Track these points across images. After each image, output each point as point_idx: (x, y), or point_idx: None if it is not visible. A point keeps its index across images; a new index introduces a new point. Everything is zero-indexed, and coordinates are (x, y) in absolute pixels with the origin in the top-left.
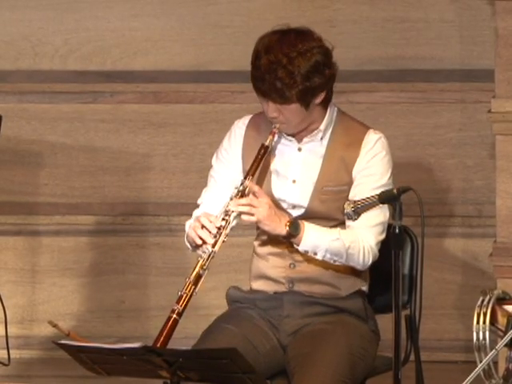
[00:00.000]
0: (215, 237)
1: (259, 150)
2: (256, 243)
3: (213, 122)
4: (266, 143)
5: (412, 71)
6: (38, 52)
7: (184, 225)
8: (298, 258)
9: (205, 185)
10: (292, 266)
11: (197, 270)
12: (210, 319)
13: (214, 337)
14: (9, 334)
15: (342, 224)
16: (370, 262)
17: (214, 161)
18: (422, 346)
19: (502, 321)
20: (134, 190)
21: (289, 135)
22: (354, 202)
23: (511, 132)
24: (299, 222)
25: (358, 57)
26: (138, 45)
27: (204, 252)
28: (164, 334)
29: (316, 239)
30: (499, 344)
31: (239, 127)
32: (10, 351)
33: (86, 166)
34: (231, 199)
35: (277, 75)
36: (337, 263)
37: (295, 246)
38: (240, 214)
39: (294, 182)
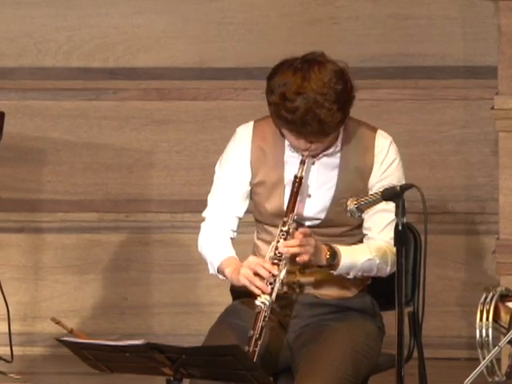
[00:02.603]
0: (271, 283)
1: (293, 183)
2: (260, 244)
3: (216, 119)
4: (299, 175)
5: (415, 68)
6: (40, 49)
7: (187, 221)
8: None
9: (208, 182)
10: (302, 271)
11: (260, 323)
12: (213, 316)
13: (221, 333)
14: (12, 330)
15: (354, 228)
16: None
17: (217, 169)
18: (425, 343)
19: (504, 318)
20: (137, 186)
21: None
22: (357, 199)
23: None
24: (336, 250)
25: (361, 54)
26: (141, 42)
27: (263, 303)
28: None
29: (351, 263)
30: (502, 341)
31: (245, 135)
32: (13, 348)
33: (89, 162)
34: (278, 241)
35: (319, 118)
36: (364, 276)
37: (331, 271)
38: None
39: (309, 196)
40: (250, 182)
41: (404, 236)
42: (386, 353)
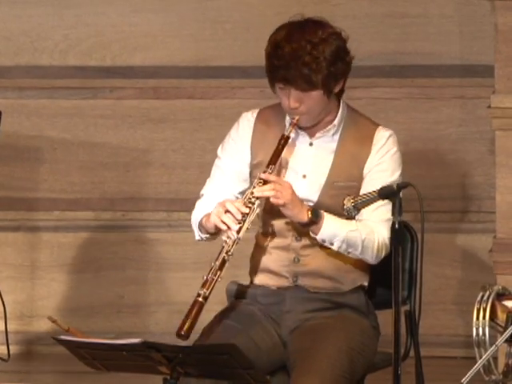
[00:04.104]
0: (240, 223)
1: (279, 141)
2: (259, 236)
3: (212, 118)
4: (286, 134)
5: (412, 67)
6: (37, 47)
7: (183, 220)
8: (303, 252)
9: (204, 180)
10: (296, 260)
11: (222, 255)
12: (209, 314)
13: (215, 333)
14: (8, 329)
15: (348, 219)
16: (383, 255)
17: (219, 151)
18: (422, 342)
19: (501, 316)
20: (134, 185)
21: (303, 129)
22: (354, 197)
23: (511, 127)
24: (319, 210)
25: (357, 52)
26: (138, 40)
27: (229, 238)
28: (190, 317)
29: (335, 228)
30: (499, 340)
31: (248, 119)
32: (10, 347)
33: (86, 161)
34: (254, 187)
35: (304, 61)
36: (350, 255)
37: (312, 234)
38: (264, 198)
39: (304, 176)
40: (250, 164)
41: (401, 235)
42: (383, 351)
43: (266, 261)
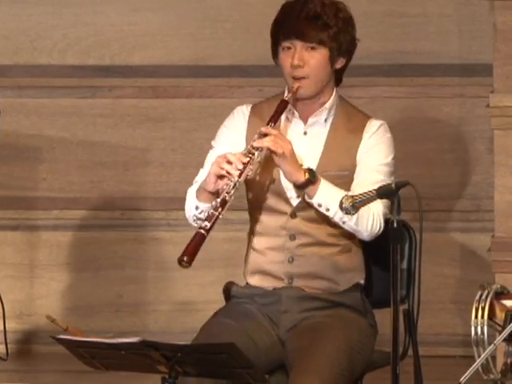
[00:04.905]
0: (240, 170)
1: (279, 104)
2: (251, 237)
3: (211, 117)
4: (287, 98)
5: (411, 66)
6: (36, 46)
7: (182, 219)
8: (297, 252)
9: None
10: (290, 259)
11: (223, 195)
12: (207, 314)
13: (214, 332)
14: (7, 328)
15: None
16: (377, 230)
17: (213, 142)
18: (420, 341)
19: (500, 315)
20: (133, 184)
21: (298, 109)
22: (352, 197)
23: (509, 126)
24: (315, 171)
25: (356, 51)
26: (137, 39)
27: (230, 180)
28: (191, 246)
29: (331, 192)
30: (498, 339)
31: (243, 112)
32: (9, 346)
33: (85, 160)
34: (254, 141)
35: (316, 12)
36: (345, 226)
37: (308, 198)
38: (265, 149)
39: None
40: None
41: (399, 234)
42: (381, 350)
43: (261, 262)
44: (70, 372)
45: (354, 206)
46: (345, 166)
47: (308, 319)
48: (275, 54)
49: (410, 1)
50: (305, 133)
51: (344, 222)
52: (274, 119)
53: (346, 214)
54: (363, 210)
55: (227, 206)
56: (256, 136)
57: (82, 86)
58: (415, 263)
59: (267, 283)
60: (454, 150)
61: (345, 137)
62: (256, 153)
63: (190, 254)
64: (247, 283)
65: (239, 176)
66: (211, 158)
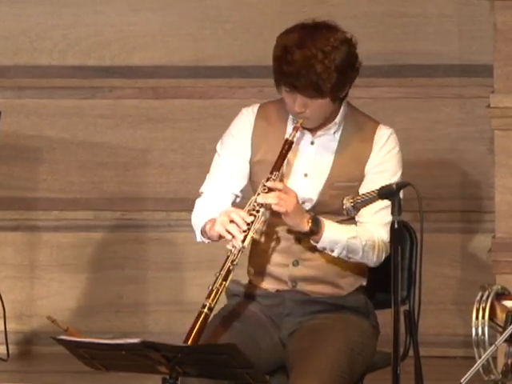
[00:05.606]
0: (245, 231)
1: (283, 146)
2: (257, 238)
3: (211, 118)
4: (290, 138)
5: (411, 66)
6: (36, 47)
7: (183, 219)
8: (301, 255)
9: (203, 181)
10: (295, 263)
11: (227, 265)
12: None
13: (215, 332)
14: (8, 329)
15: (349, 219)
16: (383, 258)
17: (218, 147)
18: (421, 342)
19: (500, 316)
20: (133, 185)
21: (306, 129)
22: (353, 197)
23: (510, 127)
24: (320, 218)
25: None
26: (137, 40)
27: (234, 247)
28: (196, 329)
29: (335, 237)
30: (498, 340)
31: (248, 115)
32: (9, 346)
33: (85, 161)
34: (258, 194)
35: (315, 70)
36: (351, 260)
37: (313, 242)
38: (269, 207)
39: (305, 175)
40: (250, 160)
41: (400, 234)
42: (382, 351)
43: (266, 263)
44: (71, 372)
45: (355, 206)
46: (355, 176)
47: (309, 321)
48: (278, 85)
49: (410, 1)
50: (312, 142)
51: (350, 258)
52: (278, 166)
53: (347, 214)
54: (368, 246)
55: (231, 276)
56: (260, 188)
57: (82, 86)
58: (416, 264)
59: (270, 285)
60: (454, 150)
61: (355, 146)
62: (261, 211)
63: (194, 340)
64: (250, 282)
65: (243, 241)
66: (217, 164)
